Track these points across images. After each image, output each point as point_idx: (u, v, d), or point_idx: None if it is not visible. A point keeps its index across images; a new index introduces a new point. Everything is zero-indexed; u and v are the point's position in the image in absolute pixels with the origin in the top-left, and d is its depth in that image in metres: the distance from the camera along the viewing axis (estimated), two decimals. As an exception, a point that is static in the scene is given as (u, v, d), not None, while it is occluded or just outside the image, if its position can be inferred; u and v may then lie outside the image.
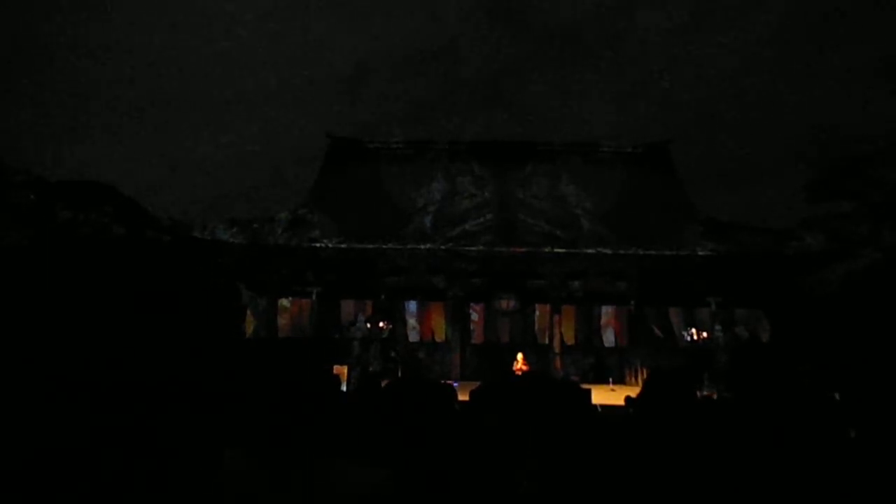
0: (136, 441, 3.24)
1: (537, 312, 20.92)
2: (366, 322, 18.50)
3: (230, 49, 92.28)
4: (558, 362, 20.26)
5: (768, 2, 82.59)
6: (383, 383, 3.99)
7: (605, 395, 14.31)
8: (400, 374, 18.04)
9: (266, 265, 19.82)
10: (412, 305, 20.96)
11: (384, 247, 19.56)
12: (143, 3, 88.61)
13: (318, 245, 19.49)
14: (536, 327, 20.94)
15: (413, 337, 20.98)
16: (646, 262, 19.40)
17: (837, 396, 5.43)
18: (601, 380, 20.14)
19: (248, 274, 19.18)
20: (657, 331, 20.23)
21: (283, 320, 20.36)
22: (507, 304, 20.40)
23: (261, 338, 19.54)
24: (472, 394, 3.57)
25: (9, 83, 67.67)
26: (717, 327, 18.24)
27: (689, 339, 18.51)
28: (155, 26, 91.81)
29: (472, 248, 19.53)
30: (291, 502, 1.62)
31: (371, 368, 17.18)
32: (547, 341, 20.70)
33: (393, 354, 19.38)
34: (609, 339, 20.94)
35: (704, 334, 18.21)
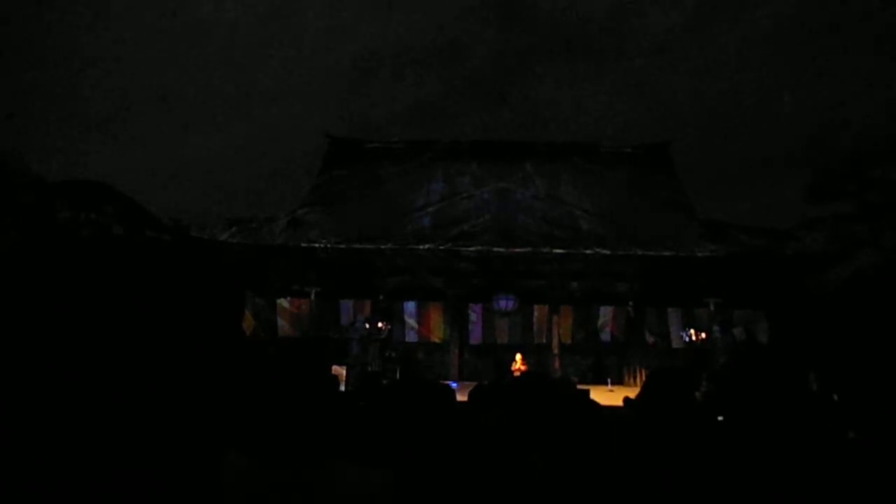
0: (136, 441, 3.24)
1: (536, 313, 20.89)
2: (365, 322, 18.49)
3: (230, 48, 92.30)
4: (557, 363, 20.27)
5: (769, 2, 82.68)
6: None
7: (603, 396, 14.27)
8: (399, 375, 18.04)
9: (265, 265, 19.81)
10: (411, 306, 20.92)
11: (383, 247, 19.53)
12: (142, 2, 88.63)
13: (317, 245, 19.47)
14: (535, 328, 20.92)
15: (412, 337, 20.95)
16: (645, 262, 19.38)
17: (836, 397, 5.44)
18: (600, 380, 20.16)
19: (247, 274, 19.17)
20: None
21: (282, 320, 20.33)
22: (505, 304, 20.40)
23: (260, 338, 19.53)
24: (470, 394, 3.58)
25: (9, 84, 67.61)
26: (717, 328, 18.22)
27: (687, 339, 18.49)
28: (154, 26, 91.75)
29: (472, 249, 19.50)
30: (291, 503, 1.62)
31: (370, 369, 17.17)
32: (545, 342, 20.70)
33: (392, 355, 19.36)
34: (607, 339, 20.92)
35: (703, 335, 18.19)
